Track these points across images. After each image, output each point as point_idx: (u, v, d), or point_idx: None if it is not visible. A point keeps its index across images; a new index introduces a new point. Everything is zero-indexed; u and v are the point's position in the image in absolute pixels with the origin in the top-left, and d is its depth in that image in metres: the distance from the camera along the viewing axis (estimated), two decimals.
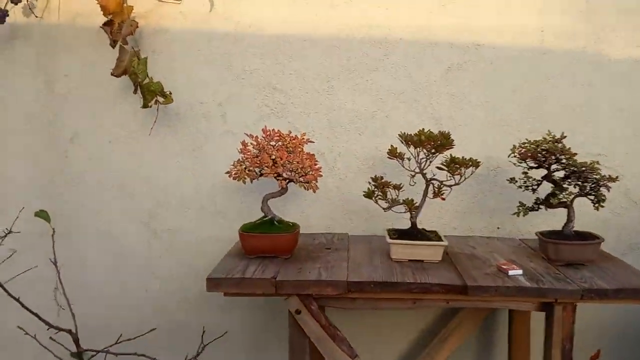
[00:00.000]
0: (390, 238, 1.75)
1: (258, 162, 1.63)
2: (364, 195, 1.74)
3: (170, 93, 2.06)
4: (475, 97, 2.17)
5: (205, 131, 2.18)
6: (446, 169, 1.70)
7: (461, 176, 1.74)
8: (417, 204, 1.75)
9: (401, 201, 1.73)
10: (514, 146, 1.85)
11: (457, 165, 1.69)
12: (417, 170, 1.77)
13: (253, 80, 2.17)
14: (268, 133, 1.76)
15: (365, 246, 1.95)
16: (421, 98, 2.17)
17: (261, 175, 1.65)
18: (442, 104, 2.17)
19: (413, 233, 1.78)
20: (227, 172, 1.69)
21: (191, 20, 2.16)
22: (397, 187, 1.72)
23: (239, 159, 1.69)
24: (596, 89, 2.16)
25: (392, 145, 1.76)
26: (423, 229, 1.87)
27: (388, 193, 1.72)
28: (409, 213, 1.77)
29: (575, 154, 1.75)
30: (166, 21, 2.16)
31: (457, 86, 2.16)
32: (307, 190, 1.69)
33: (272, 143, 1.75)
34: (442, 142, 1.71)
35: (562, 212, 1.83)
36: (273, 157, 1.68)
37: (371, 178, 1.76)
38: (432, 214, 2.20)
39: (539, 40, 2.15)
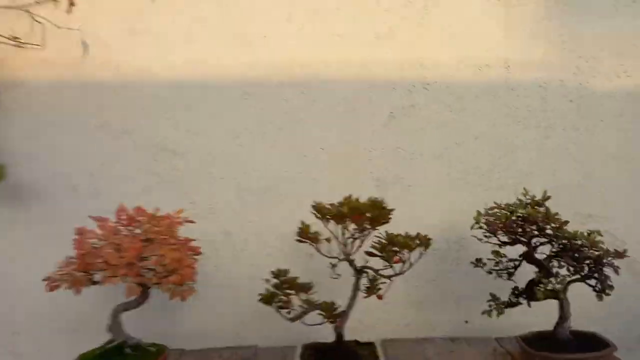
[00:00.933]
0: None
1: (91, 261, 1.08)
2: (259, 300, 1.19)
3: (2, 166, 1.52)
4: (427, 148, 1.67)
5: (69, 211, 1.62)
6: (379, 254, 1.17)
7: (404, 263, 1.20)
8: (339, 309, 1.19)
9: (316, 305, 1.18)
10: (478, 213, 1.32)
11: (396, 249, 1.15)
12: (342, 256, 1.24)
13: (137, 140, 1.66)
14: (124, 214, 1.23)
15: None
16: (358, 153, 1.67)
17: (95, 282, 1.09)
18: (385, 160, 1.66)
19: (337, 352, 1.21)
20: (46, 279, 1.13)
21: (58, 69, 1.67)
22: (305, 289, 1.17)
23: (67, 258, 1.14)
24: (581, 131, 1.68)
25: (303, 223, 1.22)
26: (354, 341, 1.31)
27: (295, 296, 1.17)
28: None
29: (566, 222, 1.22)
30: (26, 71, 1.67)
31: (404, 136, 1.67)
32: (172, 300, 1.13)
33: (135, 229, 1.21)
34: (373, 214, 1.18)
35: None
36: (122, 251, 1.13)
37: (272, 273, 1.21)
38: (374, 306, 1.64)
39: (504, 73, 1.69)
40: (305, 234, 1.19)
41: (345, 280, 1.27)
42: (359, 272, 1.24)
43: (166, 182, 1.65)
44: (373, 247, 1.17)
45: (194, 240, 1.33)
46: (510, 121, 1.67)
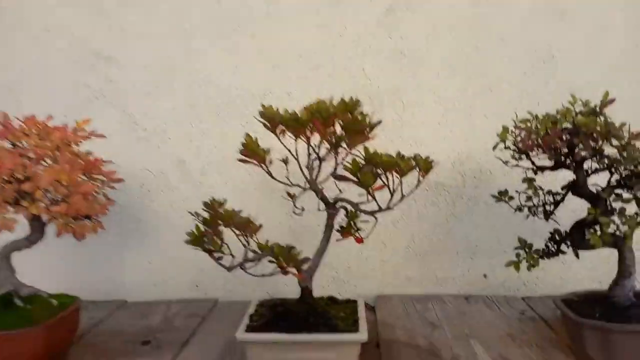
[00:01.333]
0: (248, 328, 0.84)
1: None
2: (186, 241, 0.83)
3: None
4: (436, 51, 1.25)
5: None
6: (352, 177, 0.79)
7: (392, 192, 0.83)
8: (302, 256, 0.83)
9: (264, 250, 0.82)
10: (504, 129, 0.93)
11: (378, 171, 0.78)
12: (308, 184, 0.87)
13: (64, 43, 1.29)
14: (9, 125, 0.88)
15: (228, 329, 1.03)
16: (345, 61, 1.27)
17: None
18: (380, 70, 1.26)
19: (296, 312, 0.87)
20: None
21: None
22: (249, 228, 0.81)
23: None
24: None
25: (248, 135, 0.84)
26: (329, 298, 0.97)
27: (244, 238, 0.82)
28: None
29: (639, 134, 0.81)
30: None
31: (406, 38, 1.25)
32: (59, 237, 0.80)
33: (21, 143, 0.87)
34: (346, 122, 0.80)
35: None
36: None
37: (203, 204, 0.85)
38: (369, 252, 1.29)
39: None
40: (249, 151, 0.82)
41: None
42: (332, 206, 0.88)
43: (101, 97, 1.29)
44: (345, 168, 0.79)
45: (108, 162, 0.98)
46: (553, 10, 1.24)
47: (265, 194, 1.29)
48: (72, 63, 1.28)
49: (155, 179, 1.31)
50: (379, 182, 0.80)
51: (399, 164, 0.78)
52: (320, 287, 1.31)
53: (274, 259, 0.81)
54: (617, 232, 0.82)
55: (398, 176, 0.82)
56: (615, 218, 0.80)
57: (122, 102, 1.29)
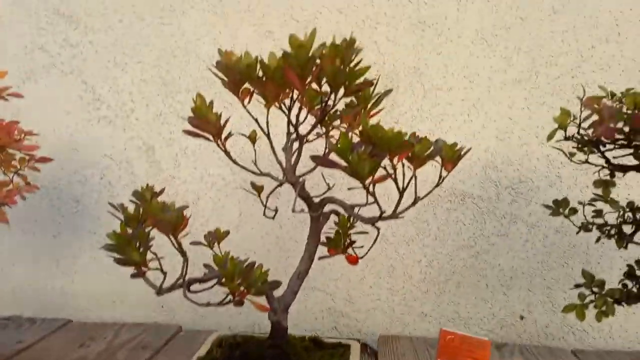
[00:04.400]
0: None
1: None
2: (105, 247, 0.58)
3: None
4: (469, 22, 0.99)
5: None
6: (342, 161, 0.52)
7: (401, 191, 0.56)
8: (267, 283, 0.57)
9: (222, 265, 0.56)
10: (563, 112, 0.66)
11: (380, 152, 0.51)
12: (283, 176, 0.61)
13: None
14: None
15: None
16: (357, 28, 1.01)
17: None
18: (397, 41, 1.00)
19: (265, 359, 0.60)
20: None
21: None
22: (177, 230, 0.54)
23: None
24: None
25: (199, 96, 0.59)
26: (312, 339, 0.70)
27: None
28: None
29: None
30: None
31: (430, 0, 1.00)
32: None
33: None
34: (336, 74, 0.54)
35: None
36: None
37: (133, 194, 0.60)
38: (375, 278, 1.01)
39: None
40: (198, 117, 0.56)
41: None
42: (316, 208, 0.62)
43: (60, 66, 1.07)
44: (331, 148, 0.53)
45: (30, 134, 0.74)
46: None
47: (250, 195, 1.03)
48: (26, 21, 1.07)
49: (119, 168, 1.07)
50: (381, 173, 0.53)
51: (409, 146, 0.51)
52: (313, 319, 1.04)
53: (223, 282, 0.55)
54: None
55: (410, 166, 0.56)
56: None
57: (83, 72, 1.06)
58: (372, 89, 0.63)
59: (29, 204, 1.08)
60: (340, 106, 0.64)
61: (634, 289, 0.61)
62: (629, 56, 0.96)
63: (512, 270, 1.00)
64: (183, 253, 0.56)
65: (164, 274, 0.56)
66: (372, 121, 0.54)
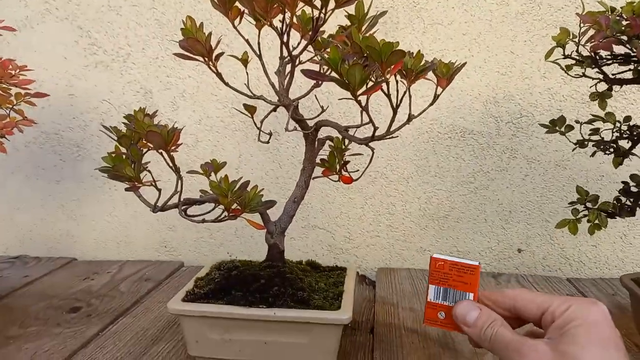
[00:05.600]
0: (187, 297, 0.60)
1: None
2: (101, 169, 0.58)
3: None
4: None
5: None
6: (333, 73, 0.52)
7: (394, 108, 0.56)
8: (261, 202, 0.57)
9: (210, 193, 0.56)
10: (562, 31, 0.64)
11: (372, 64, 0.51)
12: (278, 98, 0.60)
13: None
14: None
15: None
16: None
17: None
18: None
19: (263, 278, 0.61)
20: None
21: None
22: (169, 145, 0.55)
23: None
24: None
25: (189, 17, 0.57)
26: (309, 262, 0.71)
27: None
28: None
29: None
30: None
31: None
32: None
33: None
34: None
35: None
36: None
37: (125, 116, 0.60)
38: (374, 215, 1.03)
39: None
40: (188, 39, 0.55)
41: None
42: (311, 130, 0.62)
43: (54, 12, 1.05)
44: (321, 60, 0.52)
45: (25, 69, 0.74)
46: None
47: (250, 136, 1.04)
48: None
49: (117, 113, 1.07)
50: (373, 85, 0.53)
51: (404, 55, 0.50)
52: (314, 256, 1.06)
53: (216, 199, 0.55)
54: None
55: (404, 82, 0.55)
56: None
57: (78, 17, 1.05)
58: (366, 9, 0.62)
59: (30, 151, 1.09)
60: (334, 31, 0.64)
61: (627, 204, 0.61)
62: None
63: (511, 205, 1.00)
64: (177, 170, 0.56)
65: (159, 190, 0.57)
66: None
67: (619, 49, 0.60)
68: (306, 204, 1.04)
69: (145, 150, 0.57)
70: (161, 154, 0.55)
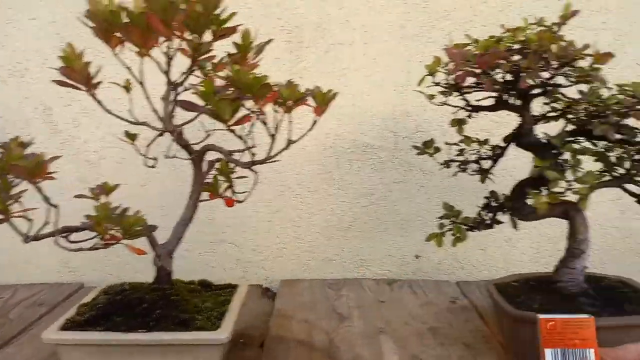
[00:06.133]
0: (66, 324, 0.60)
1: None
2: None
3: None
4: None
5: None
6: (207, 105, 0.54)
7: (272, 135, 0.59)
8: (145, 227, 0.59)
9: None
10: (436, 60, 0.70)
11: (244, 95, 0.54)
12: (163, 126, 0.62)
13: None
14: None
15: None
16: None
17: None
18: None
19: (147, 302, 0.62)
20: None
21: None
22: (38, 174, 0.55)
23: None
24: None
25: (69, 45, 0.57)
26: (201, 282, 0.73)
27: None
28: None
29: (607, 55, 0.59)
30: None
31: None
32: None
33: None
34: (195, 19, 0.55)
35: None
36: None
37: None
38: (281, 229, 1.06)
39: None
40: (67, 66, 0.56)
41: None
42: (197, 155, 0.64)
43: None
44: (195, 92, 0.54)
45: None
46: None
47: (156, 153, 1.03)
48: None
49: (14, 129, 1.03)
50: (246, 115, 0.55)
51: (271, 89, 0.54)
52: (222, 271, 1.08)
53: (92, 225, 0.56)
54: (579, 191, 0.61)
55: (280, 111, 0.59)
56: (569, 173, 0.58)
57: None
58: (253, 38, 0.65)
59: None
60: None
61: (486, 218, 0.68)
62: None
63: (409, 215, 1.07)
64: (46, 199, 0.56)
65: (29, 220, 0.57)
66: (257, 71, 0.57)
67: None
68: (214, 219, 1.05)
69: (18, 180, 0.57)
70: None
